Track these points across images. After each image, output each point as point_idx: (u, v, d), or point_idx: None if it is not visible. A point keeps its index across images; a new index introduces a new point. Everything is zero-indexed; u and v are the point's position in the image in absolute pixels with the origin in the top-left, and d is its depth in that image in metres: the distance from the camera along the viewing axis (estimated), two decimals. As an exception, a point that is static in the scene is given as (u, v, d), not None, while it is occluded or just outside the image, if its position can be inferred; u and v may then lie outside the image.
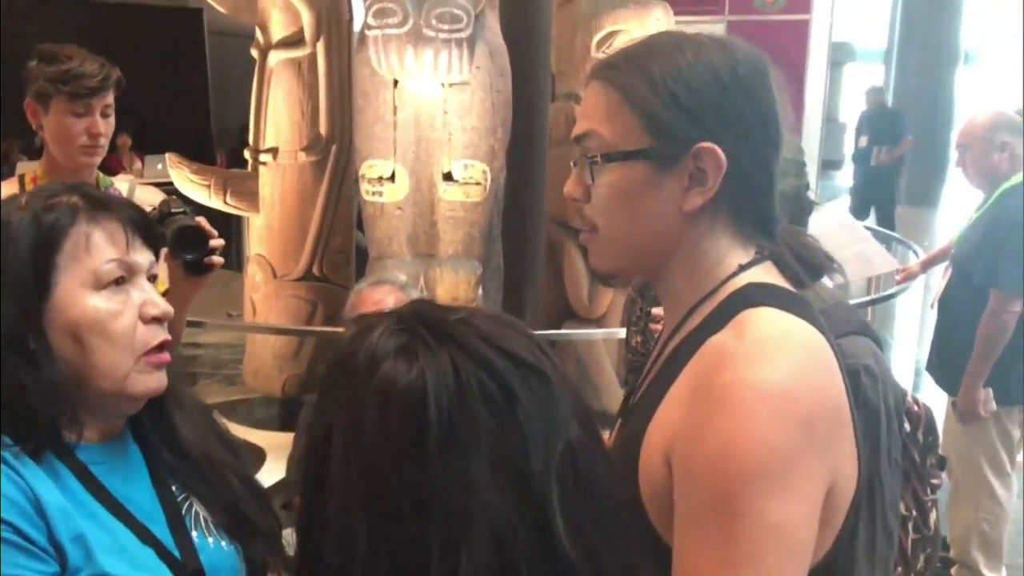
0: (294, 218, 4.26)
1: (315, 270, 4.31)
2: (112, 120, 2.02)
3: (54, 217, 1.01)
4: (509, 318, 0.71)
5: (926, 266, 3.69)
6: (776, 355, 0.85)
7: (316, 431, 0.65)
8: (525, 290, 4.65)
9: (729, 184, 0.93)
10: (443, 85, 3.47)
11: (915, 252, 4.19)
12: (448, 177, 3.53)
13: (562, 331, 4.24)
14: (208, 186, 4.21)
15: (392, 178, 3.54)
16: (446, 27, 3.39)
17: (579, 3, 4.16)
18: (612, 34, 4.07)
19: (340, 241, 4.36)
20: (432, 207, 3.56)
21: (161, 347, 1.06)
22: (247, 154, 4.32)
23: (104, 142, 2.01)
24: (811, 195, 1.55)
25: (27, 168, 2.29)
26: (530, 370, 0.64)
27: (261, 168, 4.23)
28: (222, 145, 9.63)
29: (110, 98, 2.00)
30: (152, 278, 1.08)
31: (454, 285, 3.58)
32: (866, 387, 1.28)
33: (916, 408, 1.40)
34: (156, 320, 1.05)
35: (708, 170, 0.92)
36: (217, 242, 1.52)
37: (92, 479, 1.02)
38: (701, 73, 0.93)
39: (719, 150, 0.91)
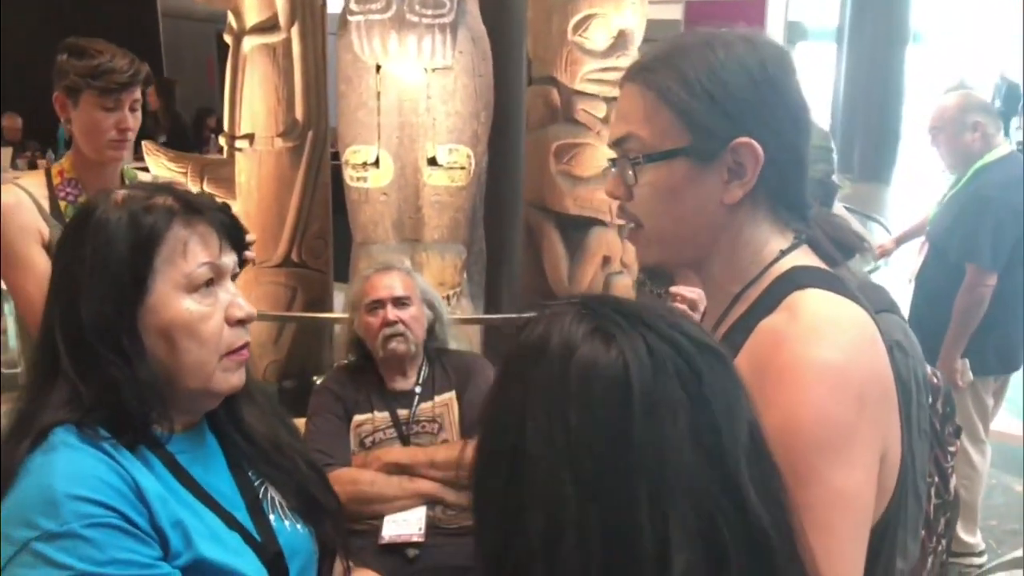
0: (271, 204, 4.23)
1: (294, 256, 4.29)
2: (139, 115, 2.03)
3: (152, 220, 1.03)
4: (676, 308, 0.76)
5: (900, 242, 3.81)
6: (829, 333, 0.91)
7: (504, 420, 0.69)
8: (504, 273, 4.70)
9: (766, 174, 0.98)
10: (426, 70, 3.48)
11: (886, 229, 4.31)
12: (432, 162, 3.54)
13: (526, 315, 4.28)
14: (185, 173, 4.17)
15: (376, 163, 3.55)
16: (429, 12, 3.40)
17: (555, -13, 4.18)
18: (588, 17, 4.10)
19: (318, 227, 4.34)
20: (417, 192, 3.58)
21: (242, 347, 1.09)
22: (222, 140, 4.28)
23: (132, 136, 2.02)
24: (835, 179, 1.62)
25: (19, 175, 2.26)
26: (711, 352, 0.70)
27: (237, 154, 4.20)
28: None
29: (138, 93, 2.00)
30: (234, 277, 1.11)
31: (440, 269, 3.61)
32: (898, 362, 1.35)
33: (935, 380, 1.48)
34: (241, 322, 1.08)
35: (746, 163, 0.98)
36: (250, 237, 1.54)
37: (180, 469, 1.06)
38: (733, 71, 0.98)
39: (756, 143, 0.97)
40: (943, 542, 1.52)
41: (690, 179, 0.99)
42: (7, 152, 6.72)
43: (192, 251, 1.05)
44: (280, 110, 4.15)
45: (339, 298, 4.40)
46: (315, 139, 4.23)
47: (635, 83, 1.02)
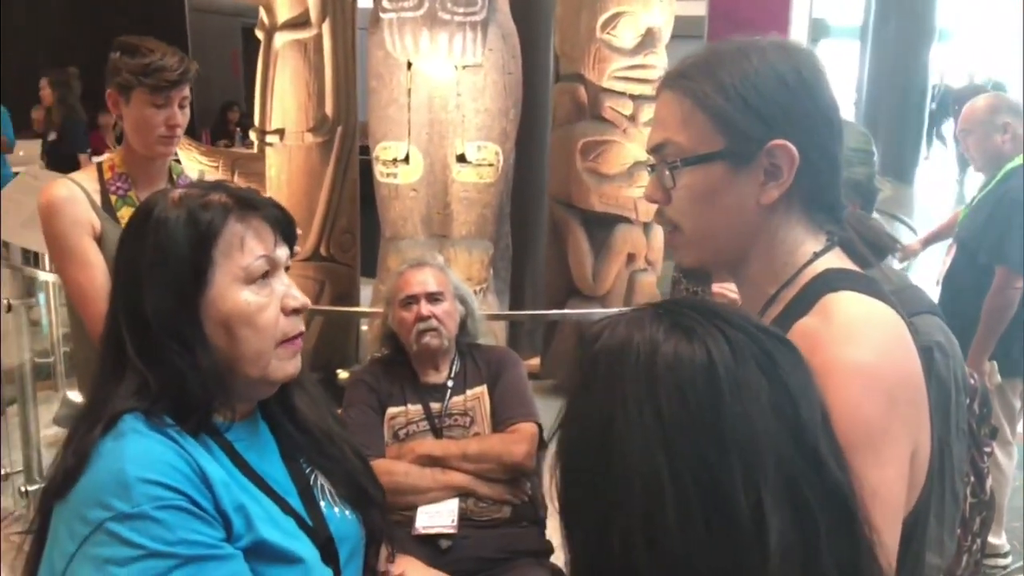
0: (301, 199, 4.28)
1: (322, 250, 4.34)
2: (188, 111, 2.08)
3: (209, 216, 1.08)
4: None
5: (926, 243, 3.81)
6: (862, 335, 0.94)
7: (591, 418, 0.75)
8: (527, 269, 4.73)
9: (800, 176, 1.01)
10: (456, 67, 3.52)
11: (912, 229, 4.31)
12: (462, 158, 3.58)
13: (565, 311, 4.33)
14: (216, 167, 4.22)
15: (407, 159, 3.59)
16: (461, 10, 3.44)
17: (584, -15, 4.21)
18: (617, 15, 4.13)
19: (346, 221, 4.39)
20: (446, 188, 3.62)
21: (297, 336, 1.13)
22: (253, 135, 4.33)
23: (180, 132, 2.07)
24: (876, 182, 1.64)
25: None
26: (780, 339, 0.78)
27: (268, 149, 4.25)
28: (204, 123, 9.58)
29: (187, 90, 2.05)
30: (286, 269, 1.15)
31: (467, 265, 3.65)
32: (938, 363, 1.37)
33: (972, 382, 1.50)
34: (295, 312, 1.12)
35: (782, 165, 1.00)
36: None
37: (238, 455, 1.10)
38: (768, 77, 1.01)
39: (791, 145, 1.00)
40: (978, 541, 1.55)
41: (727, 182, 1.02)
42: (36, 144, 6.80)
43: (249, 245, 1.09)
44: (310, 105, 4.20)
45: (366, 293, 4.45)
46: (344, 134, 4.28)
47: (672, 90, 1.06)
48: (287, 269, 1.16)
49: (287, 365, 1.12)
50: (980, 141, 3.03)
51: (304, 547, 1.10)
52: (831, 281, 1.01)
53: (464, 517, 2.19)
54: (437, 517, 2.18)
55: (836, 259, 1.05)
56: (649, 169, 1.10)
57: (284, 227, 1.15)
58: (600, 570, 0.74)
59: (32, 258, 4.12)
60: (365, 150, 4.16)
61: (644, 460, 0.70)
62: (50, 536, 1.00)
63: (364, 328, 4.58)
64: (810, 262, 1.04)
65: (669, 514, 0.69)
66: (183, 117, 2.06)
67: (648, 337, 0.74)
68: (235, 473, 1.08)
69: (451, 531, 2.15)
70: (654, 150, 1.07)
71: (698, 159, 1.02)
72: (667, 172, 1.04)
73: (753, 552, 0.68)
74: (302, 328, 1.13)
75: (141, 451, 0.99)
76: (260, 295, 1.09)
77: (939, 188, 11.47)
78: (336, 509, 1.20)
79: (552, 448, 0.81)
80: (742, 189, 1.02)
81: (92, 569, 0.94)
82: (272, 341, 1.10)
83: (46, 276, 3.52)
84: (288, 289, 1.12)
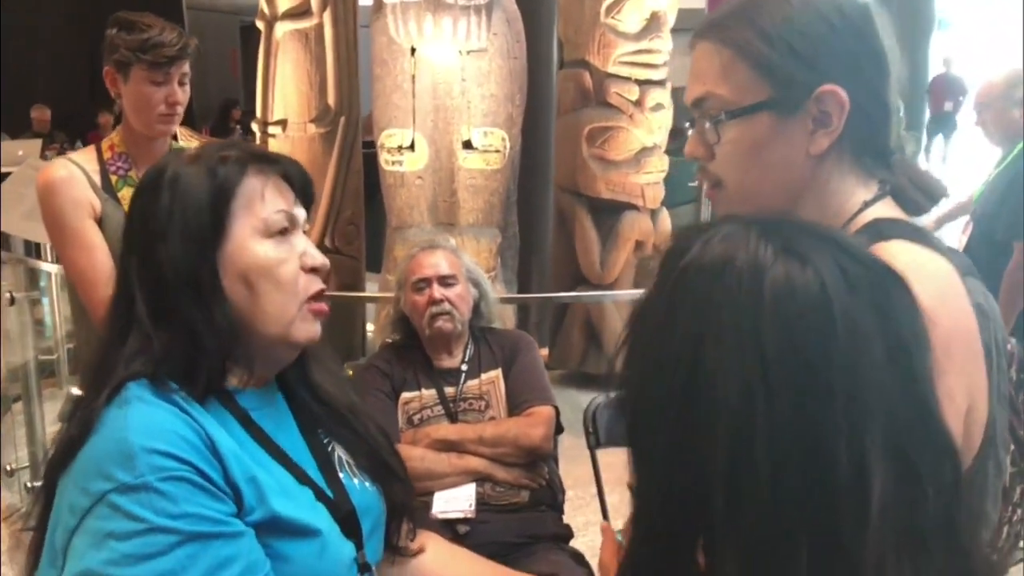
0: (304, 190, 4.24)
1: (327, 242, 4.30)
2: (188, 89, 2.02)
3: (227, 170, 1.04)
4: None
5: (941, 223, 3.77)
6: (915, 285, 0.89)
7: (673, 344, 0.66)
8: (534, 258, 4.68)
9: (851, 122, 0.96)
10: (460, 52, 3.47)
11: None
12: (468, 145, 3.53)
13: (573, 293, 4.29)
14: (218, 159, 4.17)
15: (412, 147, 3.54)
16: (465, -6, 3.39)
17: (587, -31, 4.16)
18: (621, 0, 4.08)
19: (350, 213, 4.35)
20: (452, 175, 3.57)
21: (319, 296, 1.08)
22: (255, 126, 4.29)
23: (180, 110, 2.02)
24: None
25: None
26: (895, 276, 0.69)
27: (270, 140, 4.20)
28: (204, 120, 9.54)
29: (187, 67, 2.00)
30: (305, 233, 1.11)
31: (475, 253, 3.60)
32: (979, 325, 1.32)
33: (1009, 347, 1.45)
34: (315, 271, 1.08)
35: (831, 111, 0.95)
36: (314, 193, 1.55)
37: (253, 424, 1.05)
38: (811, 19, 0.95)
39: (841, 90, 0.94)
40: (1019, 512, 1.50)
41: (774, 132, 0.97)
42: (36, 144, 6.76)
43: (268, 197, 1.06)
44: (312, 96, 4.15)
45: (371, 288, 4.40)
46: (347, 125, 4.24)
47: (709, 41, 1.01)
48: (305, 233, 1.12)
49: (309, 327, 1.08)
50: (998, 115, 2.99)
51: (322, 519, 1.04)
52: (882, 231, 0.96)
53: (481, 502, 2.15)
54: (454, 502, 2.14)
55: (886, 208, 1.00)
56: (687, 125, 1.05)
57: (302, 186, 1.12)
58: (671, 517, 0.66)
59: (34, 249, 4.08)
60: (368, 144, 4.12)
61: (736, 397, 0.62)
62: (53, 514, 0.94)
63: (370, 328, 4.54)
64: (860, 211, 0.99)
65: (759, 461, 0.61)
66: (183, 94, 2.01)
67: (753, 258, 0.64)
68: (247, 442, 1.03)
69: (469, 516, 2.11)
70: (694, 104, 1.02)
71: (743, 111, 0.97)
72: (709, 127, 0.99)
73: (851, 511, 0.61)
74: (323, 287, 1.09)
75: (146, 419, 0.94)
76: (280, 250, 1.05)
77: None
78: (356, 480, 1.15)
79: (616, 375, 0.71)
80: (790, 140, 0.97)
81: (92, 543, 0.88)
82: (295, 298, 1.05)
83: (49, 267, 3.48)
84: (307, 247, 1.09)
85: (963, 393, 0.89)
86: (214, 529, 0.92)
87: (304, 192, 1.12)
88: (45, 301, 4.25)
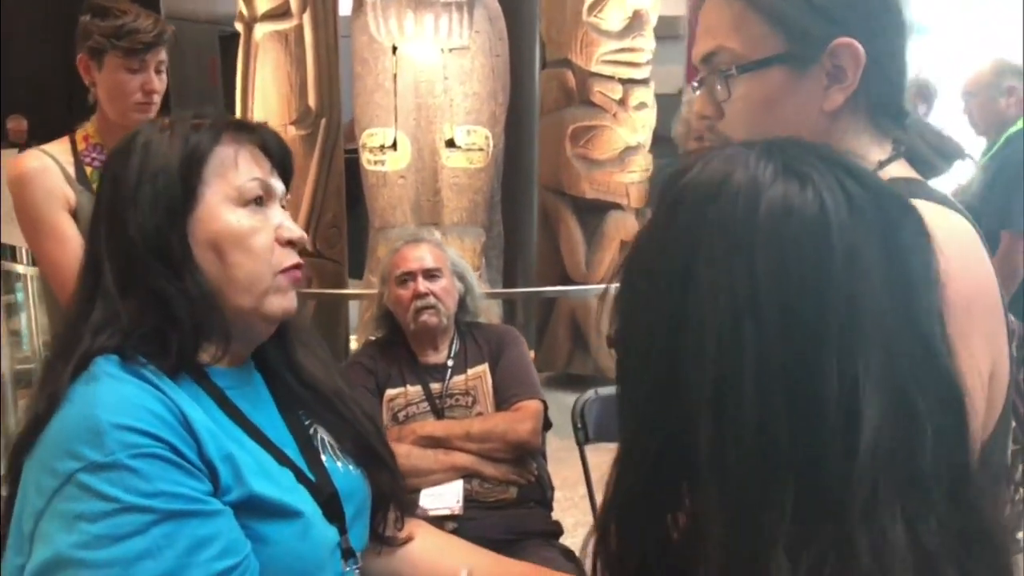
0: (285, 193, 4.19)
1: (308, 246, 4.24)
2: (164, 77, 1.97)
3: (200, 135, 1.00)
4: None
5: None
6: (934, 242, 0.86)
7: (666, 261, 0.62)
8: (519, 259, 4.65)
9: (866, 78, 0.92)
10: (442, 50, 3.44)
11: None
12: (451, 143, 3.50)
13: (563, 287, 4.26)
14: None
15: (394, 146, 3.51)
16: (446, -10, 3.36)
17: (569, -32, 4.15)
18: (603, -3, 4.07)
19: (332, 216, 4.30)
20: (435, 174, 3.53)
21: (295, 267, 1.04)
22: (235, 130, 4.23)
23: (157, 99, 1.97)
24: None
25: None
26: (907, 207, 0.64)
27: (250, 144, 4.15)
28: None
29: (163, 54, 1.95)
30: (282, 208, 1.06)
31: (460, 252, 3.53)
32: None
33: (1010, 321, 1.43)
34: (291, 244, 1.03)
35: (846, 66, 0.92)
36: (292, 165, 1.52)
37: (228, 402, 1.01)
38: None
39: (857, 43, 0.91)
40: (1021, 490, 1.47)
41: (788, 87, 0.93)
42: (12, 154, 6.69)
43: (243, 165, 1.02)
44: (292, 98, 4.10)
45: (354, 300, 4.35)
46: (328, 127, 4.19)
47: None
48: (284, 207, 1.07)
49: (283, 299, 1.03)
50: (984, 104, 2.98)
51: (303, 500, 0.99)
52: (899, 190, 0.93)
53: (469, 498, 2.10)
54: (441, 499, 2.09)
55: (901, 168, 0.97)
56: (695, 85, 1.01)
57: (280, 157, 1.07)
58: (656, 444, 0.63)
59: (10, 252, 4.01)
60: (351, 151, 4.07)
61: (725, 320, 0.58)
62: (19, 498, 0.89)
63: (353, 338, 4.49)
64: (874, 172, 0.96)
65: (746, 386, 0.58)
66: (160, 82, 1.96)
67: (751, 177, 0.61)
68: (223, 420, 0.98)
69: (456, 513, 2.06)
70: (704, 60, 0.98)
71: (755, 64, 0.93)
72: (720, 82, 0.95)
73: (838, 444, 0.57)
74: (299, 261, 1.04)
75: (115, 395, 0.88)
76: (253, 219, 1.01)
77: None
78: (339, 463, 1.10)
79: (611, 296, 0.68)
80: (804, 95, 0.93)
81: (61, 526, 0.83)
82: (268, 269, 1.01)
83: (24, 270, 3.41)
84: (283, 220, 1.04)
85: (986, 355, 0.86)
86: (190, 507, 0.87)
87: (282, 163, 1.08)
88: (23, 310, 4.18)
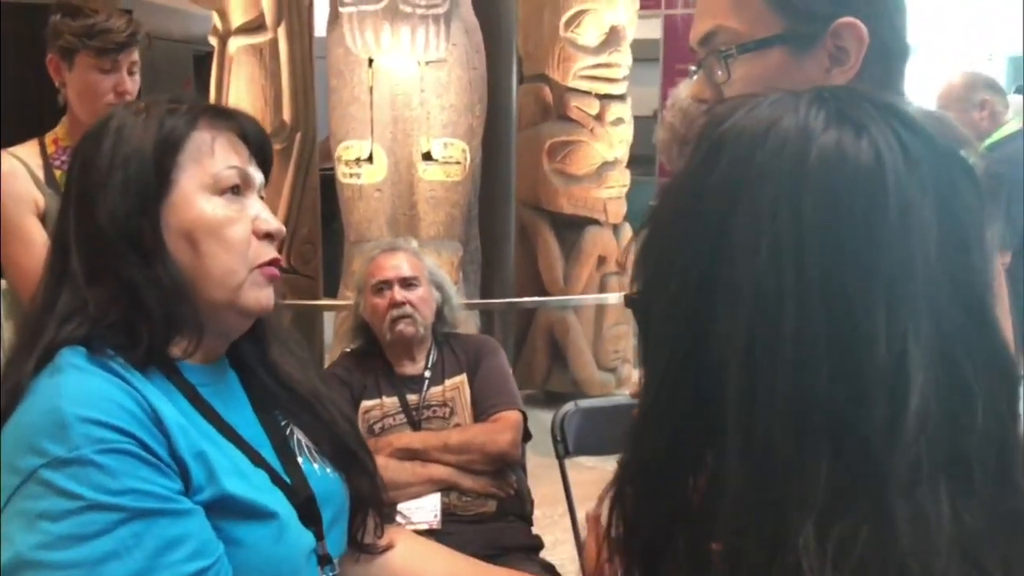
0: (260, 209, 4.14)
1: (282, 262, 4.18)
2: (137, 78, 1.94)
3: (176, 120, 0.96)
4: None
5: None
6: None
7: (705, 206, 0.58)
8: (497, 274, 4.62)
9: (869, 60, 0.90)
10: (419, 63, 3.41)
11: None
12: (427, 157, 3.46)
13: (541, 298, 4.24)
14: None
15: (370, 159, 3.46)
16: (423, 3, 3.34)
17: (546, -17, 4.16)
18: (580, 13, 4.08)
19: (307, 231, 4.25)
20: (412, 188, 3.49)
21: (273, 263, 1.00)
22: (208, 144, 4.18)
23: (130, 100, 1.92)
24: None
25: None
26: (963, 163, 0.60)
27: (224, 158, 4.10)
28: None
29: (136, 55, 1.91)
30: (260, 198, 1.02)
31: (438, 267, 3.53)
32: None
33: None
34: (269, 237, 0.99)
35: (849, 47, 0.90)
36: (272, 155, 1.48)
37: (201, 400, 0.96)
38: None
39: (860, 24, 0.89)
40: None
41: (788, 69, 0.91)
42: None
43: (219, 152, 0.98)
44: (267, 111, 4.06)
45: (328, 316, 4.29)
46: (303, 141, 4.15)
47: None
48: (262, 199, 1.03)
49: (259, 293, 0.98)
50: (957, 117, 2.99)
51: (278, 502, 0.95)
52: None
53: (447, 512, 2.06)
54: (419, 513, 2.04)
55: None
56: (693, 69, 0.99)
57: (259, 146, 1.03)
58: (680, 403, 0.58)
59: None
60: (327, 170, 4.03)
61: (764, 271, 0.54)
62: None
63: (327, 356, 4.43)
64: None
65: (783, 343, 0.53)
66: (132, 84, 1.92)
67: (802, 122, 0.57)
68: (195, 418, 0.94)
69: (434, 527, 2.01)
70: (701, 42, 0.96)
71: (756, 44, 0.91)
72: (719, 64, 0.93)
73: (882, 411, 0.53)
74: (276, 254, 1.00)
75: (81, 387, 0.84)
76: (229, 209, 0.97)
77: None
78: (316, 465, 1.06)
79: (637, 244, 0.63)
80: (805, 76, 0.90)
81: (22, 526, 0.79)
82: (244, 262, 0.96)
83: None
84: (261, 212, 1.00)
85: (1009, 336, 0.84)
86: (160, 506, 0.83)
87: (261, 153, 1.04)
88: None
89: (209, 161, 0.97)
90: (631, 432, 0.62)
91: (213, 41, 4.14)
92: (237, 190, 0.98)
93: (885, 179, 0.55)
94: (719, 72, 0.94)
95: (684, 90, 2.27)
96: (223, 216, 0.96)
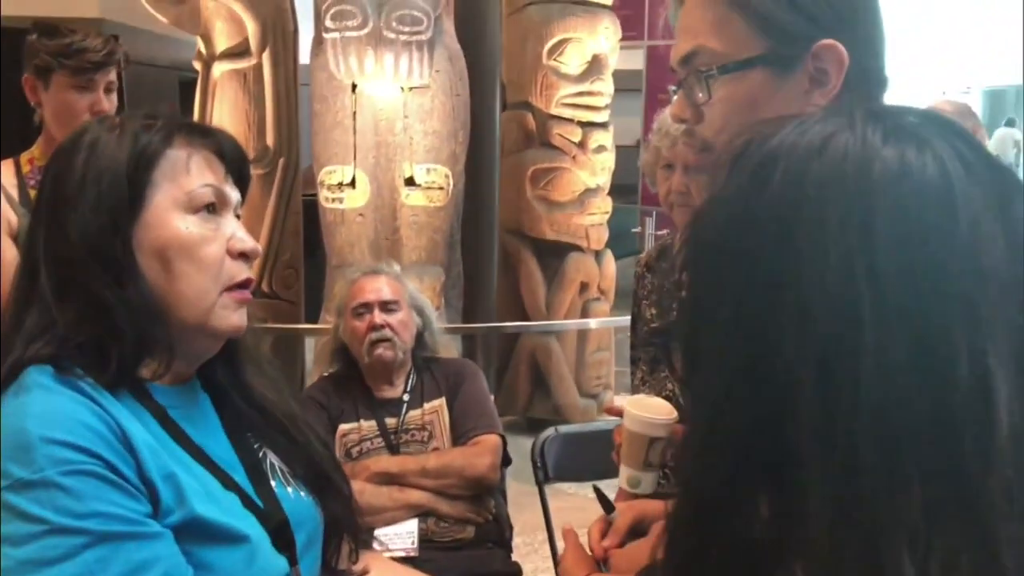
0: (242, 233, 4.12)
1: (264, 286, 4.17)
2: (115, 97, 1.93)
3: (151, 136, 0.95)
4: None
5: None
6: None
7: (757, 228, 0.56)
8: (479, 300, 4.62)
9: (849, 82, 0.90)
10: (402, 89, 3.43)
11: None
12: (410, 182, 3.47)
13: (524, 322, 4.24)
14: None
15: (352, 184, 3.47)
16: (407, 29, 3.36)
17: (529, 12, 4.18)
18: (563, 41, 4.11)
19: (289, 256, 4.24)
20: (394, 213, 3.50)
21: (245, 284, 0.99)
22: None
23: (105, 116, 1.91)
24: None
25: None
26: (1017, 182, 0.59)
27: (206, 182, 4.09)
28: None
29: (113, 74, 1.91)
30: (237, 217, 1.01)
31: (419, 292, 3.52)
32: None
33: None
34: (243, 256, 0.98)
35: (829, 68, 0.90)
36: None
37: (171, 422, 0.95)
38: None
39: (840, 46, 0.89)
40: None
41: (769, 89, 0.91)
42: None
43: (195, 169, 0.96)
44: (251, 136, 4.06)
45: (309, 342, 4.27)
46: (286, 166, 4.15)
47: None
48: (238, 217, 1.02)
49: (232, 316, 0.97)
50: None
51: (249, 525, 0.94)
52: None
53: (425, 539, 2.04)
54: (396, 539, 2.02)
55: None
56: (673, 89, 0.99)
57: (236, 164, 1.02)
58: (740, 434, 0.56)
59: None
60: (310, 195, 4.03)
61: (836, 284, 0.52)
62: None
63: (308, 381, 4.40)
64: None
65: (863, 361, 0.51)
66: (109, 103, 1.91)
67: (861, 138, 0.55)
68: (165, 440, 0.92)
69: (412, 554, 1.99)
70: (682, 62, 0.96)
71: (737, 65, 0.91)
72: (699, 84, 0.93)
73: (971, 427, 0.51)
74: (250, 275, 0.99)
75: (47, 407, 0.83)
76: (203, 228, 0.95)
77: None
78: (289, 489, 1.04)
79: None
80: (785, 97, 0.91)
81: None
82: (216, 282, 0.95)
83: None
84: (236, 231, 0.98)
85: None
86: (127, 529, 0.82)
87: (239, 171, 1.03)
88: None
89: (184, 178, 0.95)
90: (688, 456, 0.60)
91: (197, 66, 4.14)
92: (212, 208, 0.97)
93: (953, 193, 0.54)
94: (699, 93, 0.94)
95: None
96: (197, 235, 0.94)
